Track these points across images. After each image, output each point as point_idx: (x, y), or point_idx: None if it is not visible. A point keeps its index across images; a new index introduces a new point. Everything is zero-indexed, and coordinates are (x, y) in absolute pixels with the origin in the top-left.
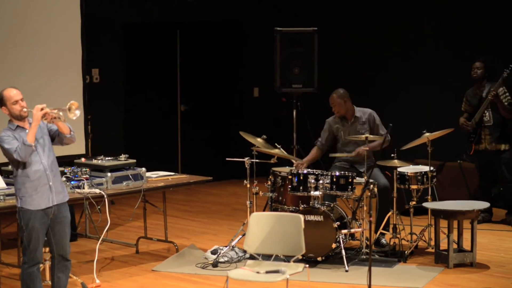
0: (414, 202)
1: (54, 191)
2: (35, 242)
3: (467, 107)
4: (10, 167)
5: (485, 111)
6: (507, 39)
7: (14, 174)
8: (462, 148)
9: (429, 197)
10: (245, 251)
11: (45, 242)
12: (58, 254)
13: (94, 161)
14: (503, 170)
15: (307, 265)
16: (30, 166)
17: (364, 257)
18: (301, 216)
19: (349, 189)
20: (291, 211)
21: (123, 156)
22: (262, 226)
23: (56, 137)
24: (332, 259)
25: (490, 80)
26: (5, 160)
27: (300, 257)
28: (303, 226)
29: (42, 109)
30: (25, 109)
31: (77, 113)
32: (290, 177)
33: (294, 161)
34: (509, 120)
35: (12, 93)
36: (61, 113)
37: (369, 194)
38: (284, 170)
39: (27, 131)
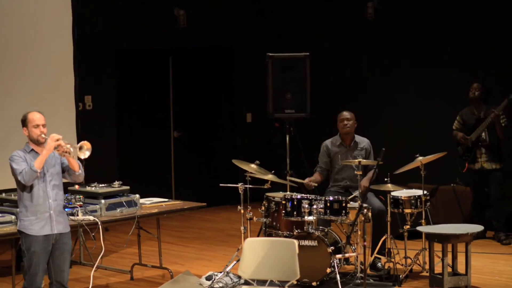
0: (408, 226)
1: (54, 220)
2: (35, 267)
3: (460, 126)
4: (4, 194)
5: (483, 131)
6: (501, 59)
7: (19, 196)
8: (456, 172)
9: (423, 221)
10: (239, 277)
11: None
12: (56, 281)
13: (88, 188)
14: (495, 188)
15: None
16: (34, 191)
17: (359, 281)
18: (295, 241)
19: (343, 214)
20: (285, 236)
21: (116, 183)
22: (256, 251)
23: (66, 171)
24: (327, 284)
25: (486, 101)
26: (2, 187)
27: (295, 282)
28: (297, 251)
29: (57, 140)
30: (43, 135)
31: (87, 154)
32: (284, 202)
33: (304, 181)
34: (502, 141)
35: (36, 117)
36: (72, 149)
37: (363, 218)
38: (278, 195)
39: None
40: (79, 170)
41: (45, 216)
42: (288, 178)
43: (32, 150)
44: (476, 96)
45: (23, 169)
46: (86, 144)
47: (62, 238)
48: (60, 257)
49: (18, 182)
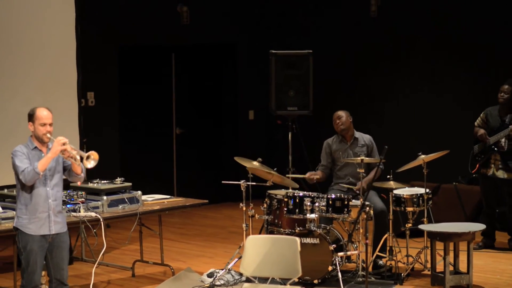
0: (410, 224)
1: (52, 220)
2: (33, 265)
3: (482, 124)
4: (6, 191)
5: (503, 138)
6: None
7: (18, 192)
8: (458, 170)
9: (425, 219)
10: (241, 274)
11: (44, 266)
12: (55, 278)
13: (90, 185)
14: (508, 199)
15: None
16: (35, 189)
17: (361, 279)
18: (297, 239)
19: (345, 212)
20: (287, 234)
21: (118, 180)
22: (258, 249)
23: (66, 171)
24: (328, 281)
25: None
26: (5, 183)
27: (297, 280)
28: (299, 248)
29: (63, 144)
30: (48, 135)
31: (92, 164)
32: (286, 199)
33: (306, 175)
34: None
35: (43, 114)
36: (78, 157)
37: (365, 216)
38: (280, 192)
39: (42, 154)
40: (81, 174)
41: (44, 216)
42: (290, 176)
43: (36, 147)
44: (505, 100)
45: (25, 168)
46: (94, 155)
47: (58, 236)
48: (58, 256)
49: (18, 178)
